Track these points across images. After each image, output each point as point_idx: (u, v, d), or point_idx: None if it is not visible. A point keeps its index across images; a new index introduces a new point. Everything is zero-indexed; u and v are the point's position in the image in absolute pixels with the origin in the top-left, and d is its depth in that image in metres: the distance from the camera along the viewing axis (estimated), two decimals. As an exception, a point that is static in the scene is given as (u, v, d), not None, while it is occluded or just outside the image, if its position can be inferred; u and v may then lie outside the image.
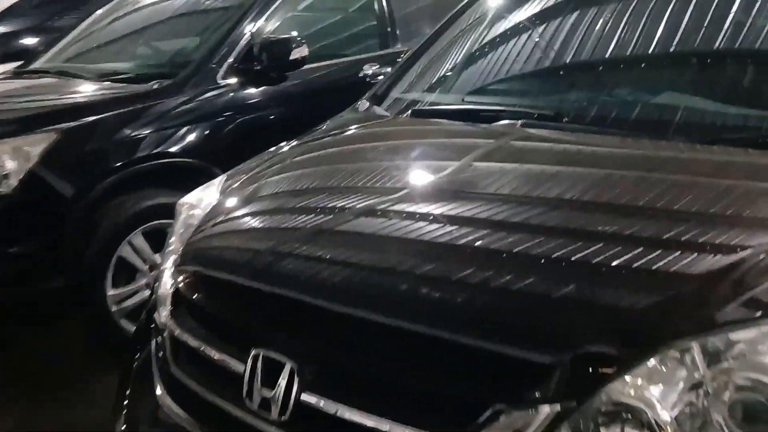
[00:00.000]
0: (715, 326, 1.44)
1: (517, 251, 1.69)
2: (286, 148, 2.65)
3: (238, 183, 2.42)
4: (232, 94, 4.04)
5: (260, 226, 2.19)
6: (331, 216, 2.00)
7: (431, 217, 1.89)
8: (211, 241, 2.20)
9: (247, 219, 2.23)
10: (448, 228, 1.82)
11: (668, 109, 2.27)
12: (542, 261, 1.64)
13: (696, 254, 1.58)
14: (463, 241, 1.75)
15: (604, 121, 2.27)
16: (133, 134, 3.73)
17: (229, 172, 2.58)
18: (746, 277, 1.51)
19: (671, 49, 2.43)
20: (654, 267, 1.55)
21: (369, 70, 4.32)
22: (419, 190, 2.07)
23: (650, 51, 2.44)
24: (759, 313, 1.46)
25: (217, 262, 2.09)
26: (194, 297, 2.04)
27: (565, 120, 2.30)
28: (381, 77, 4.05)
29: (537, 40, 2.70)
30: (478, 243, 1.74)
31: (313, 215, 2.06)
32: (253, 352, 1.71)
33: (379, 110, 2.79)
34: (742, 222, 1.67)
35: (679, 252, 1.59)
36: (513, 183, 2.03)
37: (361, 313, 1.68)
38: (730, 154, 2.01)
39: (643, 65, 2.49)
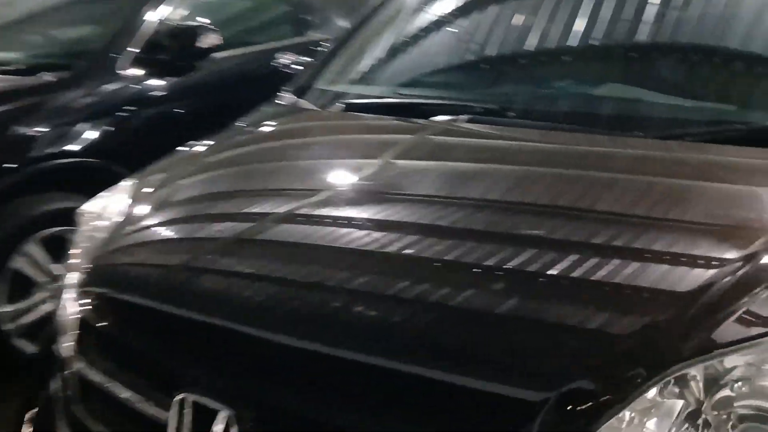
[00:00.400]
0: (711, 349, 1.30)
1: (480, 267, 1.51)
2: (204, 147, 2.38)
3: (151, 188, 2.13)
4: (136, 87, 3.73)
5: (181, 239, 1.92)
6: (264, 227, 1.79)
7: (378, 225, 1.71)
8: (122, 256, 1.92)
9: (164, 231, 1.97)
10: (398, 238, 1.64)
11: (620, 102, 2.14)
12: (511, 279, 1.47)
13: (677, 269, 1.45)
14: (416, 253, 1.57)
15: (554, 116, 2.12)
16: (24, 133, 3.39)
17: (138, 175, 2.29)
18: (737, 292, 1.38)
19: (622, 39, 2.29)
20: (635, 285, 1.41)
21: (284, 59, 4.08)
22: (367, 195, 1.88)
23: (603, 40, 2.30)
24: (757, 331, 1.33)
25: (129, 283, 1.80)
26: (104, 325, 1.75)
27: (513, 115, 2.14)
28: (297, 67, 3.83)
29: (479, 26, 2.52)
30: (431, 254, 1.56)
31: (240, 226, 1.84)
32: (178, 396, 1.45)
33: (304, 103, 2.55)
34: (712, 228, 1.57)
35: (660, 266, 1.46)
36: (464, 185, 1.86)
37: (309, 345, 1.44)
38: (689, 150, 1.89)
39: (597, 55, 2.34)
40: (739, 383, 1.29)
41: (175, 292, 1.65)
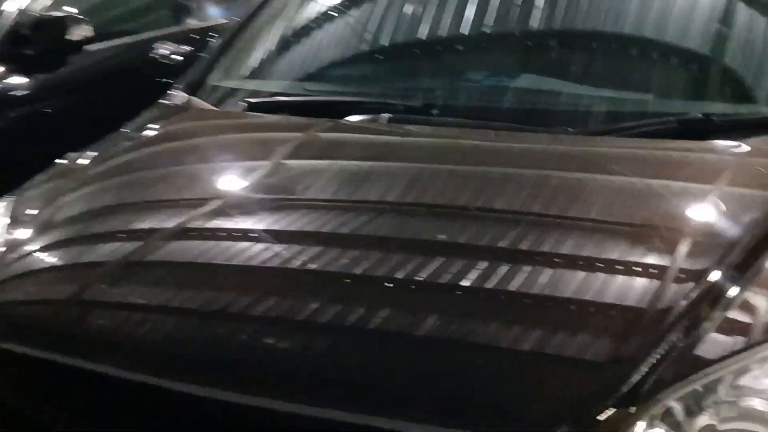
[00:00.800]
0: (690, 373, 1.21)
1: (419, 287, 1.38)
2: (90, 156, 2.12)
3: (33, 209, 1.86)
4: (-3, 86, 3.41)
5: (79, 271, 1.65)
6: (169, 247, 1.63)
7: (296, 239, 1.57)
8: (11, 295, 1.62)
9: (56, 261, 1.71)
10: (319, 253, 1.49)
11: (549, 97, 2.04)
12: (464, 301, 1.35)
13: (642, 287, 1.36)
14: (338, 270, 1.44)
15: (479, 114, 2.00)
16: None
17: (17, 193, 2.01)
18: (706, 307, 1.30)
19: (546, 28, 2.18)
20: (595, 309, 1.32)
21: (162, 49, 3.86)
22: (277, 207, 1.73)
23: (529, 29, 2.17)
24: (736, 347, 1.26)
25: (24, 330, 1.51)
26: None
27: (435, 113, 2.01)
28: (177, 57, 3.61)
29: (395, 13, 2.34)
30: (351, 271, 1.43)
31: (145, 248, 1.63)
32: None
33: (200, 102, 2.31)
34: (669, 236, 1.49)
35: (622, 285, 1.37)
36: (384, 190, 1.73)
37: (239, 399, 1.24)
38: (628, 147, 1.84)
39: (520, 46, 2.22)
40: (723, 406, 1.21)
41: (76, 341, 1.40)
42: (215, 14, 4.28)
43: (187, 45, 3.88)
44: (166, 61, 3.81)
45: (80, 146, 2.21)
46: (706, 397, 1.21)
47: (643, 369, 1.19)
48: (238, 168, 1.95)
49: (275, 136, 2.09)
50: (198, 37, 3.92)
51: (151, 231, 1.67)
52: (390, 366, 1.24)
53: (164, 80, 2.57)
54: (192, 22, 4.15)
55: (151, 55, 3.83)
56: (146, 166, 2.06)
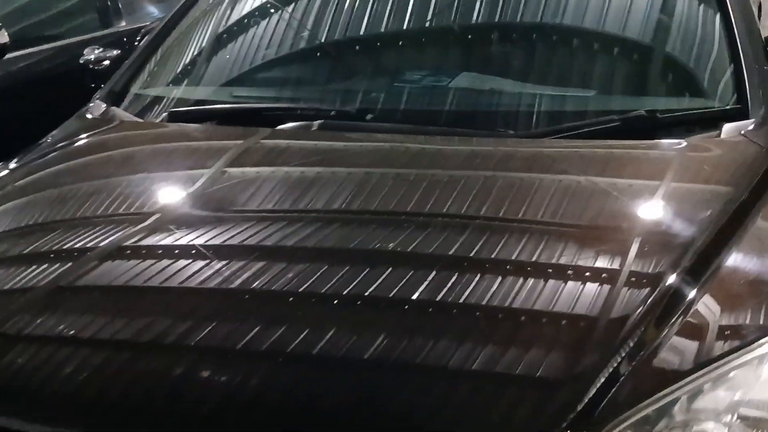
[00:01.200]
0: (641, 396, 1.15)
1: (366, 305, 1.31)
2: (7, 171, 2.00)
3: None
4: None
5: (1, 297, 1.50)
6: (96, 268, 1.49)
7: (236, 255, 1.47)
8: None
9: None
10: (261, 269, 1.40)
11: (489, 98, 1.97)
12: (402, 322, 1.28)
13: (593, 302, 1.28)
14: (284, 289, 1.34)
15: (417, 116, 1.93)
16: None
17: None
18: (659, 322, 1.24)
19: (484, 27, 2.12)
20: (543, 329, 1.25)
21: (91, 54, 3.65)
22: (210, 222, 1.62)
23: (467, 28, 2.10)
24: (690, 366, 1.20)
25: None
26: None
27: (370, 117, 1.93)
28: (107, 63, 3.42)
29: (325, 14, 2.23)
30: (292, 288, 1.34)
31: (71, 269, 1.50)
32: None
33: (122, 113, 2.18)
34: (618, 245, 1.43)
35: (563, 290, 1.30)
36: (322, 200, 1.63)
37: None
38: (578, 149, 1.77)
39: (459, 45, 2.13)
40: (675, 431, 1.15)
41: None
42: (151, 15, 4.11)
43: (118, 49, 3.72)
44: (96, 67, 3.65)
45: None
46: (658, 421, 1.14)
47: (595, 392, 1.12)
48: (161, 184, 1.83)
49: (199, 147, 1.97)
50: (130, 40, 3.77)
51: (76, 253, 1.54)
52: (340, 393, 1.16)
53: (95, 87, 2.44)
54: (123, 24, 3.98)
55: (81, 60, 3.67)
56: (62, 183, 1.91)
